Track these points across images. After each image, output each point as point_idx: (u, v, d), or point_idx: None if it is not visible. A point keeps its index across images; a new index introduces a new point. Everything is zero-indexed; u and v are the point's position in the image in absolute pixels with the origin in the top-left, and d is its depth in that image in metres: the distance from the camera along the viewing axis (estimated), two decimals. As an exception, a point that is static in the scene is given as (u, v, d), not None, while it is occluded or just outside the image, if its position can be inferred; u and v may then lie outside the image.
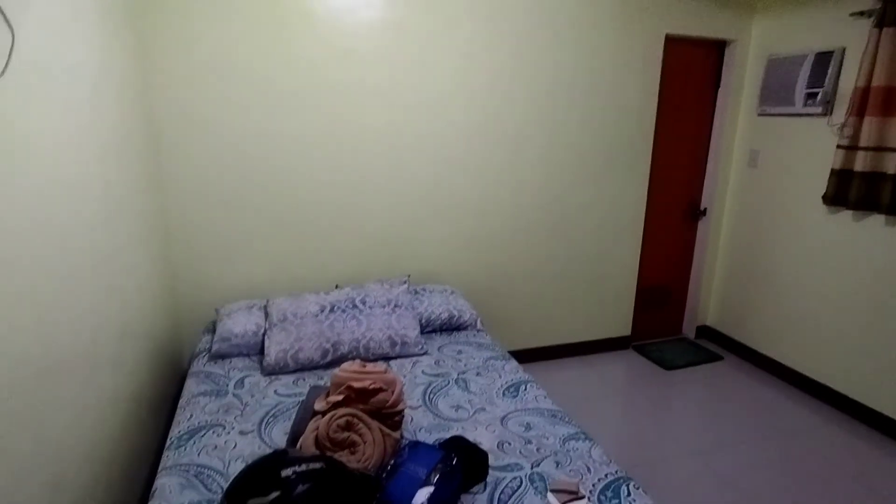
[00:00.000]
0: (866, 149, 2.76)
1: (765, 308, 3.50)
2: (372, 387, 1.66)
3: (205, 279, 2.83)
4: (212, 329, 2.68)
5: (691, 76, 3.50)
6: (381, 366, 1.80)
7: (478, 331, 2.73)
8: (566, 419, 1.95)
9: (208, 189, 2.71)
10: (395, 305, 2.53)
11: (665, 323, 4.03)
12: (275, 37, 2.61)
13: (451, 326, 2.71)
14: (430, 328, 2.67)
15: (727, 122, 3.57)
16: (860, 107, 2.77)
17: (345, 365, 1.78)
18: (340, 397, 1.66)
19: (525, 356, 3.49)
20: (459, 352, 2.49)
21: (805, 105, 3.05)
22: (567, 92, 3.16)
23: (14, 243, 1.25)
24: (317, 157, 2.81)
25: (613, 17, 3.13)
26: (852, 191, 2.85)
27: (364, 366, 1.78)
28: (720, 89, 3.55)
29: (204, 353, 2.46)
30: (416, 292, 2.84)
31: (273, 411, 2.00)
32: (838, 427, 2.90)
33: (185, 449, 1.76)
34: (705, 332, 4.01)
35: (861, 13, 2.77)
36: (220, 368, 2.32)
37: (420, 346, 2.45)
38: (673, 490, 2.42)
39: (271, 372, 2.27)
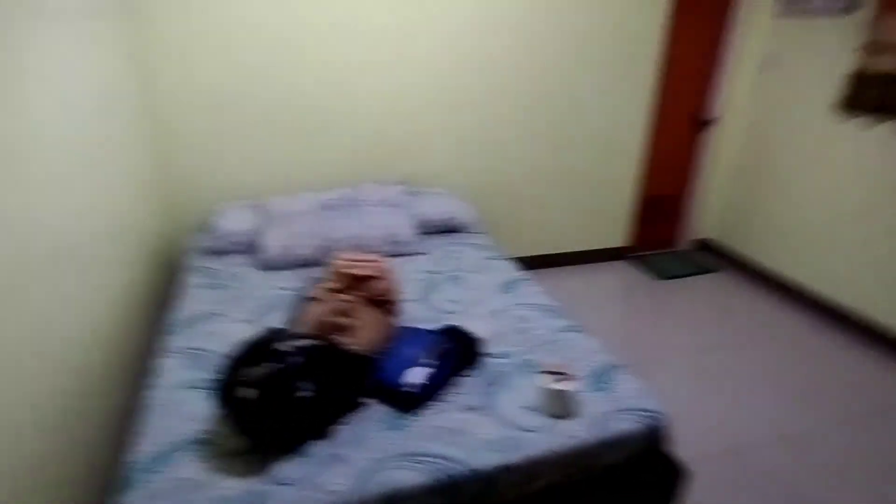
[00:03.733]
0: (887, 50, 2.61)
1: (768, 220, 3.47)
2: (366, 273, 1.66)
3: (198, 180, 2.77)
4: (206, 227, 2.66)
5: (709, -30, 3.25)
6: (375, 255, 1.79)
7: (476, 233, 2.71)
8: (561, 314, 1.97)
9: (201, 87, 2.58)
10: (392, 205, 2.49)
11: (664, 235, 4.02)
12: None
13: (448, 228, 2.68)
14: (428, 229, 2.64)
15: (743, 26, 3.36)
16: (884, 5, 2.60)
17: (341, 253, 1.77)
18: (337, 285, 1.66)
19: (522, 264, 3.49)
20: (457, 252, 2.48)
21: (826, 4, 2.86)
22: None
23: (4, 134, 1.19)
24: (311, 48, 2.66)
25: None
26: (869, 96, 2.73)
27: (359, 254, 1.77)
28: (738, -14, 3.32)
29: (200, 250, 2.46)
30: (414, 195, 2.79)
31: (271, 302, 2.02)
32: (834, 338, 2.94)
33: (184, 334, 1.79)
34: (705, 245, 4.01)
35: None
36: (217, 264, 2.33)
37: (416, 245, 2.44)
38: (661, 386, 2.50)
39: (269, 266, 2.27)
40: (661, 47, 3.27)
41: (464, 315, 1.93)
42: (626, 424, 1.45)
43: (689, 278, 3.62)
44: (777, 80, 3.27)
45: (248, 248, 2.43)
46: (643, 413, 1.48)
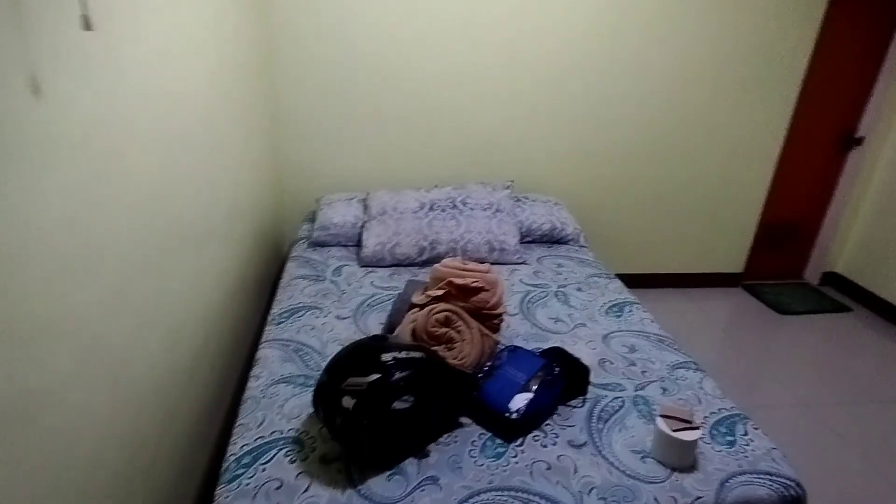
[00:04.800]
0: None
1: (916, 258, 3.02)
2: (474, 284, 1.57)
3: (308, 168, 2.83)
4: (312, 218, 2.71)
5: (877, -30, 2.85)
6: (483, 265, 1.70)
7: (580, 246, 2.56)
8: (675, 346, 1.79)
9: (317, 77, 2.63)
10: (497, 210, 2.40)
11: (785, 265, 3.63)
12: None
13: (552, 239, 2.55)
14: (530, 238, 2.53)
15: (913, 32, 2.93)
16: None
17: (446, 260, 1.69)
18: (440, 292, 1.59)
19: (625, 281, 3.28)
20: (560, 265, 2.35)
21: None
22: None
23: (131, 109, 1.22)
24: (427, 48, 2.63)
25: None
26: None
27: (466, 263, 1.69)
28: (913, -12, 2.89)
29: (304, 240, 2.50)
30: (519, 200, 2.69)
31: (369, 300, 1.99)
32: None
33: (285, 326, 1.80)
34: (833, 279, 3.58)
35: None
36: (318, 255, 2.35)
37: (518, 255, 2.33)
38: (779, 441, 2.23)
39: (368, 263, 2.26)
40: (809, 57, 2.92)
41: (568, 337, 1.80)
42: (756, 490, 1.26)
43: (813, 315, 3.23)
44: (951, 99, 2.82)
45: (349, 241, 2.43)
46: (777, 479, 1.28)
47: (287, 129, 2.73)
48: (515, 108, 2.81)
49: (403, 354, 1.27)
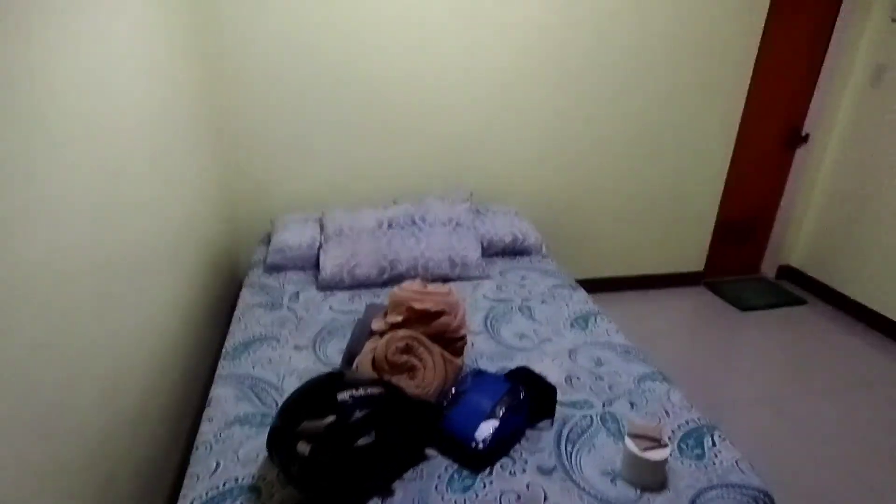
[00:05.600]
0: None
1: (864, 249, 3.12)
2: (434, 309, 1.52)
3: (263, 187, 2.74)
4: (267, 240, 2.61)
5: (813, -28, 2.94)
6: (443, 287, 1.66)
7: (542, 256, 2.54)
8: (640, 357, 1.78)
9: (268, 94, 2.55)
10: (457, 224, 2.36)
11: (743, 260, 3.71)
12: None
13: (514, 250, 2.53)
14: (493, 251, 2.50)
15: (851, 30, 3.02)
16: None
17: (405, 284, 1.64)
18: (400, 318, 1.54)
19: (589, 286, 3.28)
20: (523, 277, 2.32)
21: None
22: (662, -12, 2.73)
23: (62, 132, 1.13)
24: (380, 60, 2.58)
25: None
26: None
27: (426, 286, 1.64)
28: (848, -11, 2.99)
29: (259, 264, 2.41)
30: (479, 212, 2.65)
31: (328, 327, 1.92)
32: (939, 384, 2.61)
33: (240, 360, 1.71)
34: (788, 272, 3.67)
35: None
36: (275, 281, 2.26)
37: (481, 269, 2.29)
38: (743, 437, 2.26)
39: (326, 287, 2.18)
40: (755, 56, 2.99)
41: (534, 353, 1.77)
42: (726, 504, 1.24)
43: (771, 310, 3.30)
44: (890, 93, 2.92)
45: (306, 264, 2.35)
46: (747, 492, 1.27)
47: (238, 148, 2.63)
48: (472, 117, 2.78)
49: (361, 391, 1.21)
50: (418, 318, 1.53)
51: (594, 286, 3.32)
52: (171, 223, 1.84)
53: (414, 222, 2.32)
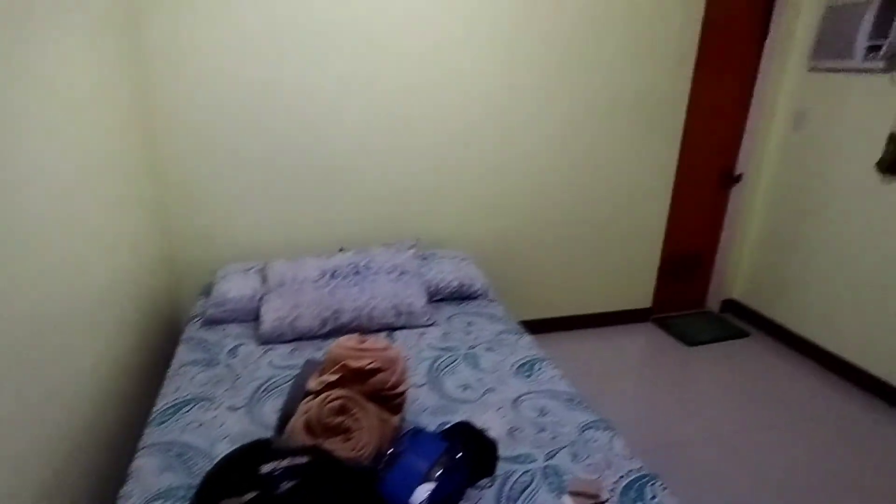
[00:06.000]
0: (933, 111, 2.46)
1: (799, 283, 3.26)
2: (370, 366, 1.49)
3: (204, 237, 2.66)
4: (208, 292, 2.53)
5: (735, 25, 3.15)
6: (381, 341, 1.63)
7: (490, 301, 2.54)
8: (584, 404, 1.77)
9: (207, 138, 2.51)
10: (402, 272, 2.34)
11: (689, 295, 3.81)
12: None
13: (461, 296, 2.52)
14: (439, 297, 2.48)
15: (772, 78, 3.23)
16: (930, 62, 2.45)
17: (341, 339, 1.60)
18: (335, 377, 1.49)
19: (539, 327, 3.31)
20: (469, 323, 2.31)
21: (865, 59, 2.72)
22: (598, 39, 2.85)
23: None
24: (322, 107, 2.58)
25: (652, -45, 2.80)
26: (912, 158, 2.56)
27: (363, 340, 1.60)
28: (767, 40, 3.20)
29: (198, 318, 2.32)
30: (425, 258, 2.65)
31: (266, 385, 1.85)
32: (875, 415, 2.71)
33: (168, 425, 1.62)
34: (731, 306, 3.79)
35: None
36: (213, 335, 2.18)
37: (427, 317, 2.27)
38: (695, 477, 2.27)
39: (266, 341, 2.11)
40: (687, 104, 3.15)
41: (477, 405, 1.75)
42: (666, 560, 1.23)
43: (716, 344, 3.38)
44: (813, 135, 3.11)
45: (247, 317, 2.28)
46: (686, 544, 1.26)
47: (182, 198, 2.56)
48: (417, 165, 2.81)
49: (287, 462, 1.15)
50: (354, 376, 1.49)
51: (544, 326, 3.35)
52: (96, 278, 1.75)
53: (358, 271, 2.29)
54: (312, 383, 1.53)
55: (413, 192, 2.85)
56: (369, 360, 1.50)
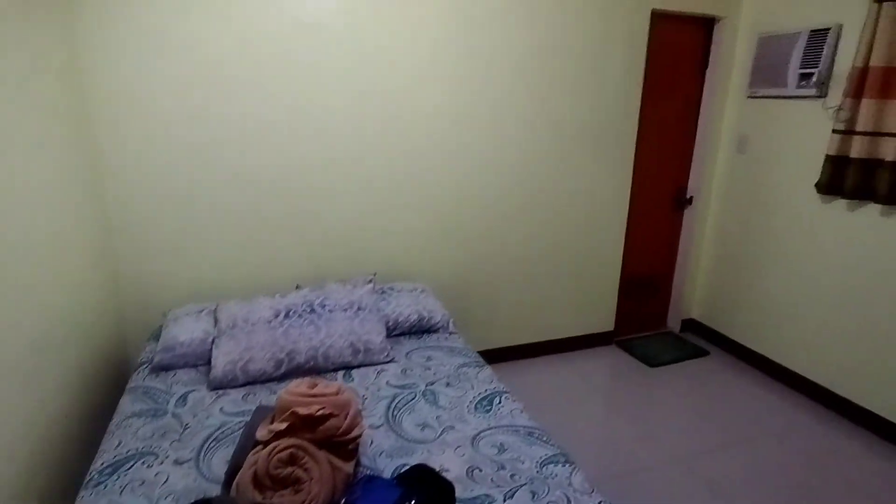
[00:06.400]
0: (863, 133, 2.59)
1: (752, 301, 3.35)
2: (320, 413, 1.44)
3: (153, 279, 2.57)
4: (157, 336, 2.43)
5: (678, 56, 3.29)
6: (333, 385, 1.58)
7: (450, 333, 2.52)
8: (544, 437, 1.76)
9: (154, 179, 2.44)
10: (359, 308, 2.30)
11: (650, 316, 3.87)
12: (224, 8, 2.33)
13: (420, 329, 2.49)
14: (398, 331, 2.45)
15: (715, 105, 3.38)
16: (857, 88, 2.59)
17: (291, 385, 1.55)
18: (284, 425, 1.44)
19: (502, 355, 3.30)
20: (429, 358, 2.28)
21: (798, 87, 2.87)
22: (547, 72, 2.93)
23: None
24: (272, 143, 2.56)
25: (596, -10, 2.90)
26: (847, 178, 2.69)
27: (313, 385, 1.56)
28: (708, 70, 3.35)
29: (146, 365, 2.22)
30: (383, 292, 2.62)
31: (216, 434, 1.77)
32: (829, 426, 2.77)
33: (105, 486, 1.52)
34: (691, 325, 3.86)
35: (860, -13, 2.58)
36: (161, 383, 2.08)
37: (385, 353, 2.23)
38: (658, 501, 2.26)
39: (218, 386, 2.03)
40: (637, 129, 3.25)
41: (436, 445, 1.71)
42: None
43: (677, 364, 3.43)
44: (756, 158, 3.24)
45: (199, 361, 2.19)
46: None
47: (124, 238, 2.48)
48: (370, 199, 2.79)
49: (228, 523, 1.09)
50: (304, 424, 1.44)
51: (508, 354, 3.34)
52: (26, 326, 1.66)
53: (313, 310, 2.24)
54: (262, 432, 1.47)
55: (368, 229, 2.83)
56: (319, 407, 1.46)
